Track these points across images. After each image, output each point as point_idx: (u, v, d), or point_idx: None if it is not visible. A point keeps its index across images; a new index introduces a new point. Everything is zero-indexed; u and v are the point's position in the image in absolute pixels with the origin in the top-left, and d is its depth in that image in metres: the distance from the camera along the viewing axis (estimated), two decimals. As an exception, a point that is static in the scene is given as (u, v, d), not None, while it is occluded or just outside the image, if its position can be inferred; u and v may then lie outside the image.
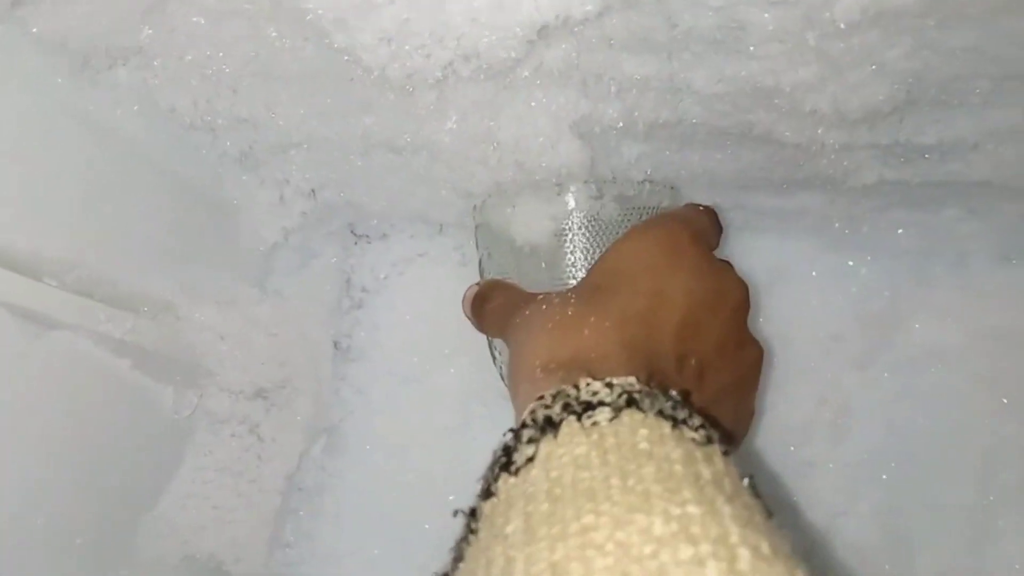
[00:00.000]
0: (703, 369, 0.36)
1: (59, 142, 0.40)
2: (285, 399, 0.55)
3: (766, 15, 0.33)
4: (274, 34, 0.37)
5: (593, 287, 0.37)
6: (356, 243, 0.64)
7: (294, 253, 0.59)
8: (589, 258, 0.43)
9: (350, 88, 0.41)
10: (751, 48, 0.36)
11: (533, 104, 0.42)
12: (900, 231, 0.53)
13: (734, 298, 0.39)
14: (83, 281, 0.41)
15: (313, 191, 0.55)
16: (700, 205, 0.44)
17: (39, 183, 0.39)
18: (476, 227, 0.48)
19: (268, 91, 0.44)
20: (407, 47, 0.35)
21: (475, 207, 0.48)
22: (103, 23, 0.36)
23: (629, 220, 0.44)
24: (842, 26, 0.32)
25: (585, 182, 0.44)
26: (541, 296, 0.39)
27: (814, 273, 0.56)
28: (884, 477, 0.54)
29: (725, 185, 0.51)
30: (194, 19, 0.37)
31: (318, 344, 0.59)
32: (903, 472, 0.54)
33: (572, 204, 0.43)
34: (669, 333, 0.35)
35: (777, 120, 0.42)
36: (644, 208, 0.44)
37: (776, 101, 0.40)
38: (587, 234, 0.43)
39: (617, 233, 0.43)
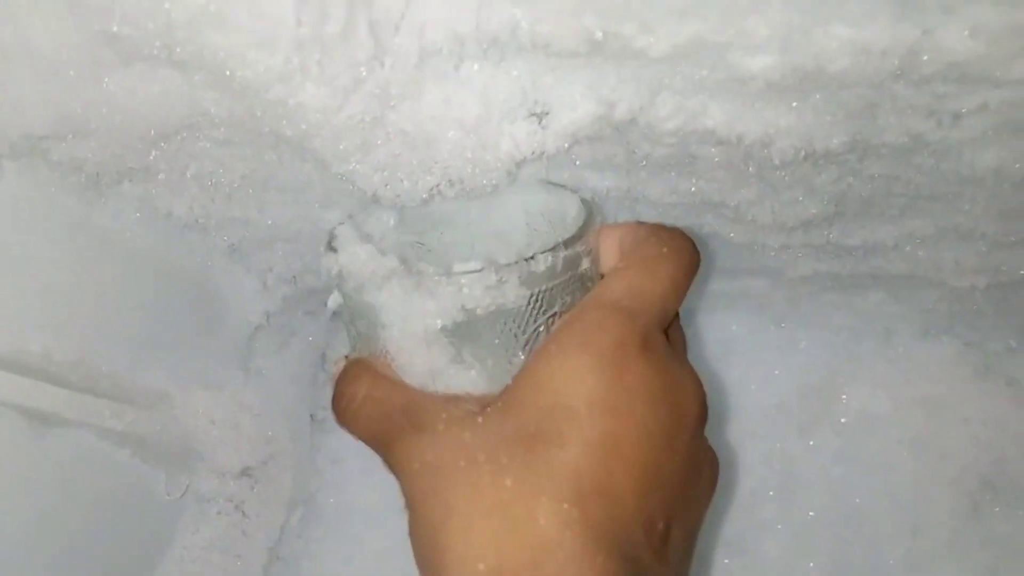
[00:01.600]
0: (669, 525, 0.30)
1: (65, 249, 0.43)
2: (268, 475, 0.58)
3: (713, 150, 0.39)
4: (275, 158, 0.41)
5: (528, 438, 0.29)
6: (331, 318, 0.67)
7: (275, 333, 0.62)
8: (495, 367, 0.33)
9: (341, 198, 0.45)
10: (700, 172, 0.41)
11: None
12: (834, 311, 0.59)
13: (692, 414, 0.32)
14: (88, 378, 0.44)
15: (295, 277, 0.59)
16: (672, 231, 0.35)
17: (47, 289, 0.42)
18: (341, 293, 0.36)
19: (261, 197, 0.47)
20: (399, 174, 0.39)
21: (337, 273, 0.36)
22: (116, 151, 0.39)
23: (545, 306, 0.33)
24: (777, 161, 0.38)
25: (481, 269, 0.32)
26: (442, 421, 0.30)
27: (759, 348, 0.61)
28: (830, 536, 0.59)
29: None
30: (200, 144, 0.41)
31: (298, 418, 0.62)
32: (847, 531, 0.59)
33: (464, 294, 0.32)
34: (632, 495, 0.28)
35: (724, 224, 0.47)
36: (566, 282, 0.33)
37: (723, 211, 0.45)
38: (488, 335, 0.33)
39: (530, 327, 0.33)
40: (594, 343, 0.30)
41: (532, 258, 0.32)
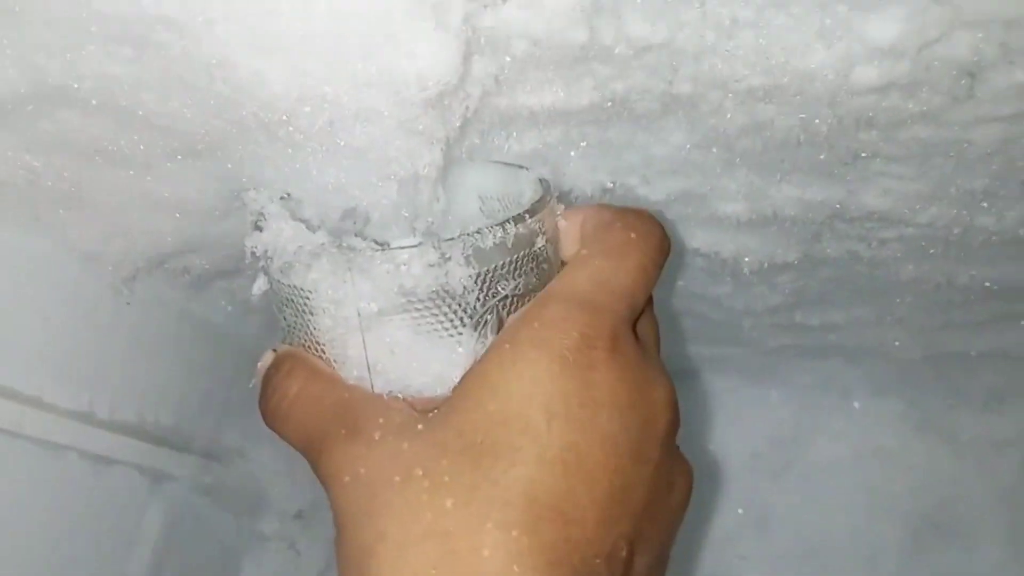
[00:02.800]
0: (634, 551, 0.27)
1: (171, 335, 0.52)
2: (316, 516, 0.67)
3: (698, 260, 0.49)
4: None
5: (474, 451, 0.25)
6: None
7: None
8: (439, 359, 0.29)
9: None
10: (687, 275, 0.52)
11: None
12: (801, 373, 0.69)
13: (664, 422, 0.28)
14: (185, 439, 0.53)
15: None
16: (639, 214, 0.31)
17: (156, 369, 0.51)
18: (267, 277, 0.32)
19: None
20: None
21: (262, 253, 0.32)
22: (219, 260, 0.49)
23: (495, 287, 0.29)
24: (747, 271, 0.48)
25: (420, 244, 0.28)
26: (379, 427, 0.27)
27: (738, 404, 0.72)
28: (797, 566, 0.69)
29: (665, 339, 0.67)
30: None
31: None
32: (812, 562, 0.68)
33: (402, 273, 0.28)
34: (593, 519, 0.25)
35: (707, 309, 0.58)
36: (518, 261, 0.30)
37: (705, 299, 0.56)
38: (431, 320, 0.29)
39: (478, 311, 0.29)
40: (554, 342, 0.26)
41: (478, 232, 0.28)
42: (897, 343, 0.59)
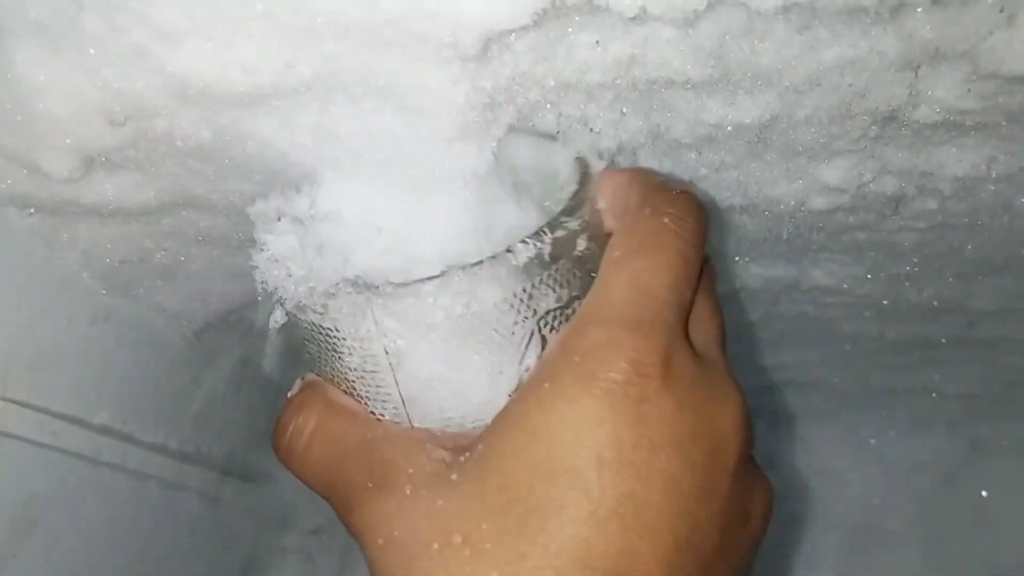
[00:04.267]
0: None
1: (224, 377, 0.60)
2: (331, 531, 0.75)
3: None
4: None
5: (517, 508, 0.23)
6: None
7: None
8: (479, 388, 0.27)
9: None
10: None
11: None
12: (756, 403, 0.79)
13: (736, 444, 0.25)
14: (232, 466, 0.61)
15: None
16: (669, 192, 0.28)
17: (212, 410, 0.59)
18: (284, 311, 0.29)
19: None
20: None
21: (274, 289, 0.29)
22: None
23: (535, 306, 0.26)
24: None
25: (443, 273, 0.25)
26: (409, 480, 0.25)
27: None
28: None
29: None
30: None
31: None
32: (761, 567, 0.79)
33: (429, 306, 0.25)
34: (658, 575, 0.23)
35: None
36: (559, 271, 0.26)
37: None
38: (465, 350, 0.26)
39: (519, 332, 0.26)
40: (599, 376, 0.23)
41: (508, 250, 0.25)
42: (837, 379, 0.70)
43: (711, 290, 0.30)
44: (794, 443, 0.80)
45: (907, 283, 0.50)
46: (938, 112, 0.32)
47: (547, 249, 0.26)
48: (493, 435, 0.25)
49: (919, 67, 0.30)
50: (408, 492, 0.25)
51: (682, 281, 0.26)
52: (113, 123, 0.30)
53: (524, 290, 0.26)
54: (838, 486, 0.78)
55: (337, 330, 0.27)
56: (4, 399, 0.36)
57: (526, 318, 0.26)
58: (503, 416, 0.25)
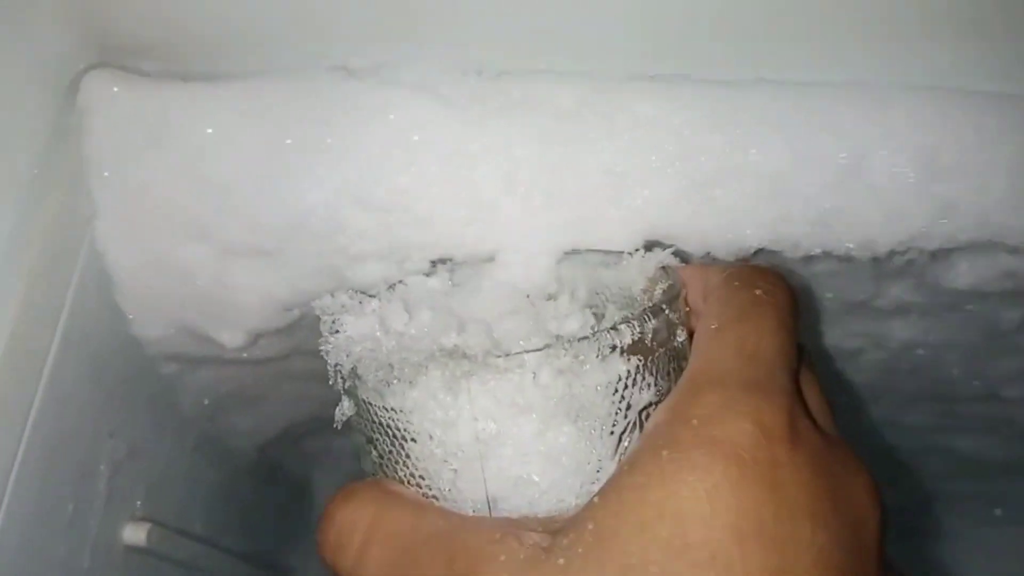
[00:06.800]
0: None
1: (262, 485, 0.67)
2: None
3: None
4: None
5: None
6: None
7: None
8: (573, 480, 0.25)
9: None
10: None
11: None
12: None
13: (875, 520, 0.24)
14: (263, 559, 0.67)
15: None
16: (754, 268, 0.28)
17: (249, 515, 0.65)
18: (352, 399, 0.28)
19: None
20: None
21: (350, 371, 0.27)
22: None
23: (636, 393, 0.25)
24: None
25: (548, 345, 0.25)
26: (503, 567, 0.22)
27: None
28: None
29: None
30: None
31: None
32: None
33: (528, 383, 0.24)
34: None
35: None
36: (659, 361, 0.26)
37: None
38: (564, 443, 0.25)
39: (619, 423, 0.25)
40: (725, 441, 0.22)
41: (614, 328, 0.25)
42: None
43: (813, 374, 0.28)
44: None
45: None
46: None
47: (649, 334, 0.26)
48: (606, 512, 0.22)
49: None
50: None
51: (788, 348, 0.25)
52: (287, 311, 0.38)
53: (627, 374, 0.25)
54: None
55: (418, 412, 0.25)
56: (150, 520, 0.43)
57: (629, 406, 0.25)
58: (615, 490, 0.23)
